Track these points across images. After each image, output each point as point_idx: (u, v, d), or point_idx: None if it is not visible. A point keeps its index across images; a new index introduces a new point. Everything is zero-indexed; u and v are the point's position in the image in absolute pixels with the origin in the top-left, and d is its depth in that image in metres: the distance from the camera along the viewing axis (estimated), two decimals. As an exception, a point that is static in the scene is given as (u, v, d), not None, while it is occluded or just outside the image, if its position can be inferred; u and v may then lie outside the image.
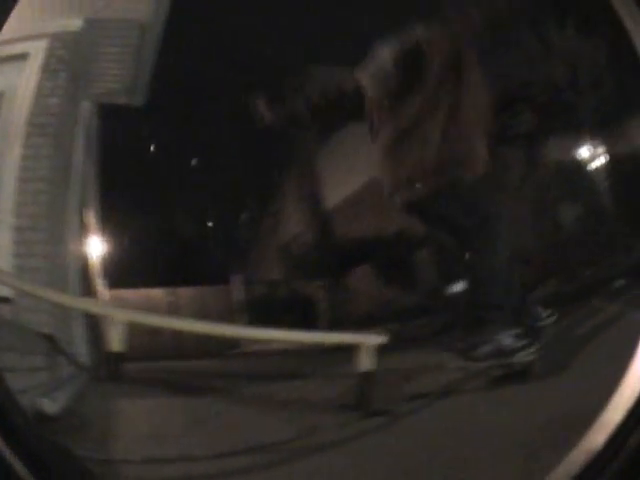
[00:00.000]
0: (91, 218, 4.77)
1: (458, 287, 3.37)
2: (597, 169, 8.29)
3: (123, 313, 3.61)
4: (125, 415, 2.73)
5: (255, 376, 4.07)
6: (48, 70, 3.79)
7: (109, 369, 3.28)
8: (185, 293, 8.04)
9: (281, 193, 11.69)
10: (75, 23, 4.05)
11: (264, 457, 2.15)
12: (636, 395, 0.96)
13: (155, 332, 4.00)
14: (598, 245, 5.45)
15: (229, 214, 10.47)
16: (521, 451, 1.82)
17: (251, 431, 2.49)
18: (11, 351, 2.09)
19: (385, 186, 3.04)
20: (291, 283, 9.61)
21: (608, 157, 9.02)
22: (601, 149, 8.93)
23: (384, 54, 3.01)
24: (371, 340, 2.82)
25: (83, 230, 4.50)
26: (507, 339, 2.60)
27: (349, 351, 2.78)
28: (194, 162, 8.64)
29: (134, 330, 3.68)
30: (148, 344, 4.41)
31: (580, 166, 8.38)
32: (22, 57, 3.67)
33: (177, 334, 4.13)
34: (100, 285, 4.61)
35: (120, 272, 5.72)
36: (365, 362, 2.73)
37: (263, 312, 8.26)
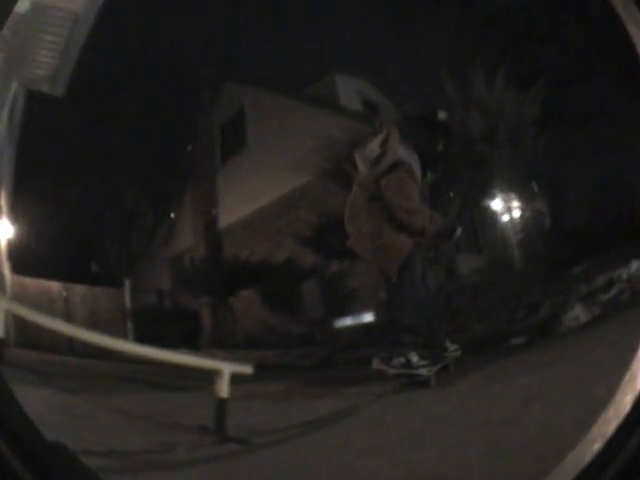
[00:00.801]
0: (3, 199, 4.70)
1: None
2: (508, 223, 8.69)
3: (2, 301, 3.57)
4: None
5: (128, 382, 4.14)
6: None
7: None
8: (80, 291, 8.03)
9: (179, 205, 11.76)
10: (23, 5, 4.04)
11: (116, 463, 2.20)
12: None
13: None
14: (499, 299, 5.58)
15: (126, 219, 10.46)
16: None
17: (113, 436, 2.59)
18: None
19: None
20: (178, 296, 9.66)
21: (521, 213, 9.51)
22: (515, 204, 9.39)
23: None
24: (231, 368, 2.80)
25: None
26: (414, 357, 3.33)
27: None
28: (100, 161, 8.59)
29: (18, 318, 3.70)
30: (31, 334, 4.40)
31: (490, 218, 8.81)
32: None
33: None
34: (5, 268, 4.56)
35: (23, 259, 5.67)
36: (222, 389, 2.72)
37: (149, 321, 8.30)
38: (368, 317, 8.33)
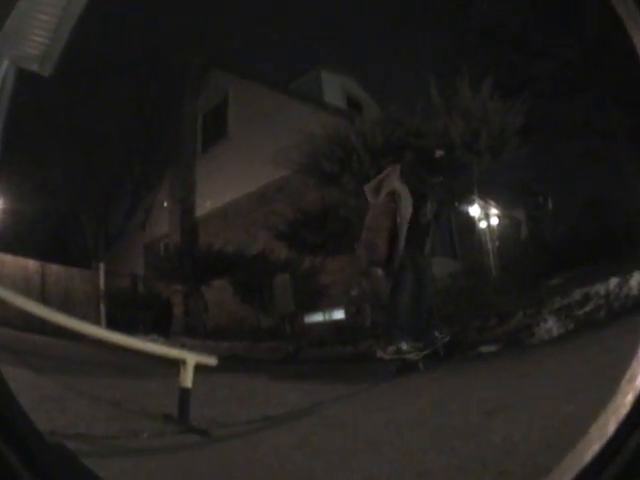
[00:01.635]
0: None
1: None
2: (485, 230, 8.79)
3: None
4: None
5: (98, 366, 4.19)
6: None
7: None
8: (55, 270, 8.07)
9: (157, 190, 11.76)
10: (21, -19, 4.04)
11: (82, 447, 2.21)
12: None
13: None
14: (470, 305, 5.59)
15: (105, 201, 10.49)
16: None
17: (81, 419, 2.63)
18: None
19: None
20: (151, 282, 9.67)
21: (499, 221, 9.63)
22: (493, 211, 9.49)
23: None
24: (195, 359, 2.83)
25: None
26: (404, 345, 4.14)
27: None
28: (82, 143, 8.57)
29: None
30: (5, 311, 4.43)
31: (467, 224, 8.91)
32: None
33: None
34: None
35: (3, 236, 5.70)
36: (186, 379, 2.76)
37: (122, 304, 8.34)
38: (338, 314, 8.45)
